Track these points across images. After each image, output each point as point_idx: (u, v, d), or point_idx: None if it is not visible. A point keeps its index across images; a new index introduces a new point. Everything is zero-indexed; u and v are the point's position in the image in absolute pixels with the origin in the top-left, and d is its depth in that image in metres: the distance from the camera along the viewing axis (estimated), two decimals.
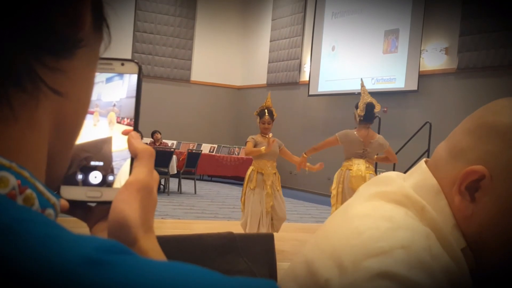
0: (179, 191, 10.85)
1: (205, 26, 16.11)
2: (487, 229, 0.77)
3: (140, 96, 0.56)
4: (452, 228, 0.77)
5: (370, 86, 11.52)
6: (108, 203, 0.50)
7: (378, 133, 10.22)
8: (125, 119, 0.56)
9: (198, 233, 1.32)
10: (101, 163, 0.55)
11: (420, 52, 10.38)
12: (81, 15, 0.38)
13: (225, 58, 16.32)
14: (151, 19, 15.45)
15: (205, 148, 14.09)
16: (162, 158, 10.01)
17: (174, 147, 12.68)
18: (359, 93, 11.66)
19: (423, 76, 10.36)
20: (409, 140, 9.62)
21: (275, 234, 5.39)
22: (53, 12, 0.36)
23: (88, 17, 0.38)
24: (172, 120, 15.40)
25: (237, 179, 13.82)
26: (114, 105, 0.57)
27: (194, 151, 11.77)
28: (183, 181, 11.09)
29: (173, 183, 11.04)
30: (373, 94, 11.42)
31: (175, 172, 10.54)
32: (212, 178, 14.20)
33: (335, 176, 5.55)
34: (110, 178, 0.55)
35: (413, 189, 0.80)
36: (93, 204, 0.56)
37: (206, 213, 8.48)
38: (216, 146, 14.48)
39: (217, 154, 14.05)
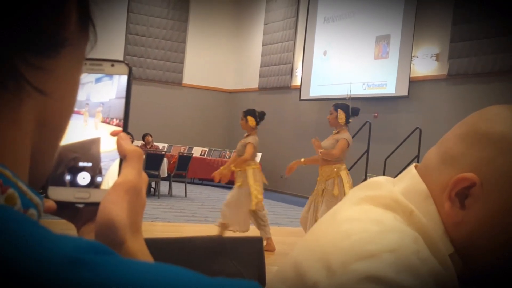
0: (170, 194, 10.83)
1: (197, 29, 16.11)
2: (477, 236, 0.77)
3: (129, 97, 0.56)
4: (441, 234, 0.78)
5: (361, 91, 11.57)
6: (96, 204, 0.50)
7: (369, 138, 10.31)
8: (114, 120, 0.56)
9: (188, 236, 1.32)
10: (89, 164, 0.55)
11: (411, 58, 10.44)
12: (66, 14, 0.37)
13: (217, 62, 16.32)
14: (143, 22, 15.42)
15: (196, 151, 14.07)
16: (153, 161, 10.00)
17: (165, 150, 12.66)
18: (350, 98, 11.75)
19: (413, 82, 10.43)
20: (399, 146, 9.67)
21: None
22: (38, 10, 0.35)
23: (74, 16, 0.38)
24: (164, 123, 15.38)
25: (228, 183, 13.77)
26: (101, 106, 0.56)
27: (185, 154, 11.75)
28: (173, 184, 11.07)
29: (163, 186, 11.01)
30: (364, 99, 11.52)
31: (166, 175, 10.53)
32: (203, 181, 14.17)
33: (345, 178, 5.38)
34: (99, 179, 0.55)
35: (402, 194, 0.81)
36: (81, 205, 0.55)
37: (197, 216, 8.48)
38: (207, 149, 14.47)
39: (208, 158, 14.03)
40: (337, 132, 5.52)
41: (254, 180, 5.78)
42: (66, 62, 0.39)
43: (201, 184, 14.06)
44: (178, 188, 11.44)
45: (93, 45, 0.43)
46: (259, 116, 6.01)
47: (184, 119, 15.92)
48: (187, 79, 16.08)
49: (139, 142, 12.39)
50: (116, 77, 0.57)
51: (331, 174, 5.37)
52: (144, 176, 0.52)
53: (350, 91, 6.16)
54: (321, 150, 5.43)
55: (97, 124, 0.56)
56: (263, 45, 15.17)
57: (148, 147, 11.66)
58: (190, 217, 8.35)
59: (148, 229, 6.57)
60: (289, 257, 0.82)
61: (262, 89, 15.14)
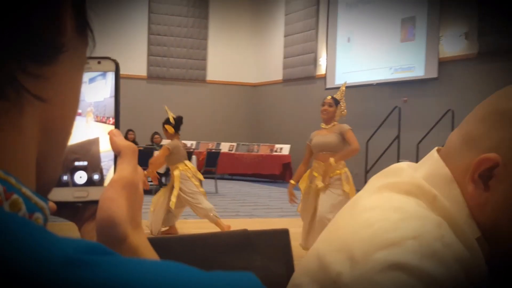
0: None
1: (218, 25, 16.11)
2: (501, 217, 0.76)
3: (119, 93, 0.57)
4: (466, 217, 0.77)
5: (389, 76, 11.37)
6: (95, 202, 0.51)
7: (399, 124, 10.11)
8: (111, 119, 0.56)
9: (213, 232, 1.27)
10: (85, 163, 0.56)
11: (439, 39, 10.19)
12: (61, 20, 0.37)
13: (239, 56, 16.30)
14: (164, 21, 15.51)
15: (224, 147, 14.08)
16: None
17: (193, 147, 12.69)
18: (377, 84, 11.57)
19: (442, 63, 10.18)
20: (431, 130, 9.45)
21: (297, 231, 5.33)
22: (33, 18, 0.36)
23: (70, 22, 0.38)
24: (190, 120, 15.38)
25: (258, 176, 13.78)
26: (91, 105, 0.57)
27: (213, 150, 11.77)
28: (203, 181, 11.10)
29: None
30: (392, 84, 11.31)
31: None
32: (233, 176, 14.18)
33: (351, 180, 5.09)
34: (96, 177, 0.56)
35: (425, 179, 0.79)
36: (80, 204, 0.56)
37: (228, 211, 8.48)
38: (235, 144, 14.46)
39: (237, 153, 14.04)
40: (333, 125, 5.16)
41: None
42: (65, 68, 0.40)
43: (231, 179, 14.07)
44: (208, 184, 11.44)
45: (92, 50, 0.44)
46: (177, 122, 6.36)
47: (210, 116, 15.96)
48: (211, 76, 16.10)
49: (167, 141, 12.44)
50: (109, 75, 0.57)
51: (338, 169, 5.01)
52: (140, 170, 0.52)
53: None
54: (331, 161, 4.97)
55: (89, 124, 0.56)
56: (285, 36, 15.07)
57: None
58: (221, 212, 8.33)
59: (180, 226, 6.58)
60: (312, 248, 0.82)
61: (286, 80, 15.04)
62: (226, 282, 0.32)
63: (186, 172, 6.14)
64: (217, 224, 6.22)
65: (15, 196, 0.35)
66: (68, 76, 0.41)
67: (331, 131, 5.15)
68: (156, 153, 10.15)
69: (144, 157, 10.01)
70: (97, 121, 0.56)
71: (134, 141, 11.82)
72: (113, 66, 0.57)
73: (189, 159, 10.22)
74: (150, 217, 6.17)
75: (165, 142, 12.54)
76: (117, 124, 0.56)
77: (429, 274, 0.67)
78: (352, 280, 0.70)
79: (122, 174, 0.50)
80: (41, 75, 0.37)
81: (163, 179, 10.15)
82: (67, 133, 0.43)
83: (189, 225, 7.00)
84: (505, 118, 0.76)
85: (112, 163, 0.56)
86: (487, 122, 0.77)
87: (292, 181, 5.35)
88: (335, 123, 5.19)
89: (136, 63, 15.27)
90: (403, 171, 0.82)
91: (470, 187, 0.76)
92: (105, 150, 0.56)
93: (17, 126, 0.37)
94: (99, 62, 0.56)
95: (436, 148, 0.85)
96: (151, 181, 6.79)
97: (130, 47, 15.15)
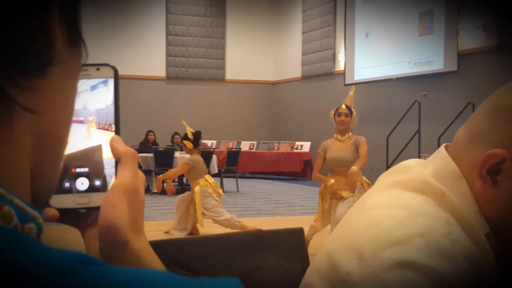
0: (222, 190, 10.90)
1: (235, 24, 16.14)
2: (509, 212, 0.76)
3: (118, 99, 0.57)
4: (475, 213, 0.76)
5: (408, 70, 11.28)
6: (98, 208, 0.51)
7: (419, 118, 10.03)
8: (113, 126, 0.57)
9: (227, 232, 1.30)
10: (86, 169, 0.56)
11: (457, 32, 10.08)
12: (49, 33, 0.37)
13: (258, 54, 16.31)
14: (182, 22, 15.58)
15: (245, 146, 14.11)
16: (202, 158, 10.05)
17: (213, 146, 12.74)
18: (397, 79, 11.49)
19: (462, 56, 10.07)
20: (451, 123, 9.36)
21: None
22: (21, 31, 0.36)
23: (59, 34, 0.38)
24: (210, 120, 15.49)
25: (279, 174, 13.78)
26: (92, 114, 0.57)
27: (233, 149, 11.79)
28: (225, 180, 11.13)
29: None
30: (411, 78, 11.22)
31: (216, 171, 10.59)
32: (254, 175, 14.21)
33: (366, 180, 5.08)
34: (98, 183, 0.56)
35: (433, 175, 0.79)
36: (83, 210, 0.56)
37: (249, 210, 8.50)
38: (255, 142, 14.48)
39: (257, 151, 14.05)
40: (348, 137, 5.08)
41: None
42: (56, 79, 0.39)
43: (252, 177, 14.10)
44: (229, 183, 11.50)
45: (85, 60, 0.44)
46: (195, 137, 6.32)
47: (230, 115, 16.00)
48: (230, 75, 16.14)
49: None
50: (111, 82, 0.57)
51: (359, 180, 4.94)
52: (141, 175, 0.52)
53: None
54: (355, 169, 4.85)
55: (91, 132, 0.57)
56: (303, 33, 15.03)
57: None
58: (243, 211, 8.37)
59: (204, 226, 6.61)
60: (323, 247, 0.83)
61: (305, 77, 15.01)
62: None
63: (207, 188, 6.15)
64: (243, 228, 6.20)
65: (6, 207, 0.35)
66: (60, 87, 0.40)
67: (347, 144, 5.06)
68: (177, 153, 10.25)
69: (165, 158, 10.13)
70: (99, 128, 0.57)
71: (154, 142, 11.92)
72: (112, 73, 0.57)
73: (210, 158, 10.32)
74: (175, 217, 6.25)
75: (206, 141, 12.65)
76: (117, 130, 0.56)
77: (437, 271, 0.68)
78: (361, 278, 0.71)
79: (122, 180, 0.50)
80: (31, 87, 0.37)
81: (184, 179, 10.21)
82: (62, 142, 0.43)
83: (212, 225, 7.05)
84: (510, 113, 0.76)
85: (114, 169, 0.55)
86: (492, 117, 0.77)
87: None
88: (350, 134, 5.12)
89: (154, 64, 15.38)
90: (411, 168, 0.82)
91: (478, 183, 0.76)
92: (108, 157, 0.55)
93: (8, 139, 0.37)
94: (98, 69, 0.57)
95: (444, 144, 0.85)
96: (176, 182, 6.77)
97: (148, 48, 15.27)
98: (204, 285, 0.32)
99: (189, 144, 6.28)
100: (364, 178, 5.07)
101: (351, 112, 5.20)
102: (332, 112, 5.34)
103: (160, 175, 6.37)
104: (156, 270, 0.33)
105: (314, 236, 5.27)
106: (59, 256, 0.30)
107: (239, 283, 0.34)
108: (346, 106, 5.23)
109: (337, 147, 5.09)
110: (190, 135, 6.32)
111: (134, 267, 0.48)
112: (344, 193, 4.95)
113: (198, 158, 6.26)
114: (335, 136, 5.20)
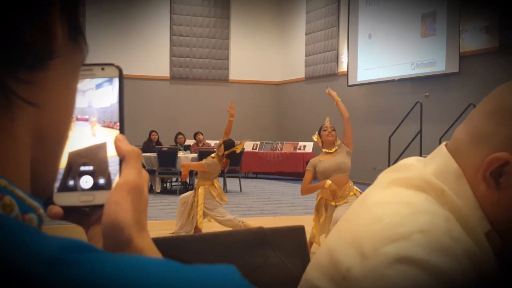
0: (225, 189, 10.92)
1: (240, 24, 16.15)
2: None
3: (122, 99, 0.57)
4: (475, 212, 0.77)
5: (410, 71, 11.31)
6: (102, 206, 0.51)
7: (421, 119, 10.04)
8: (118, 124, 0.57)
9: (228, 230, 1.33)
10: (90, 168, 0.56)
11: (460, 33, 10.11)
12: (50, 27, 0.38)
13: (262, 55, 16.32)
14: (186, 22, 15.59)
15: (248, 146, 14.13)
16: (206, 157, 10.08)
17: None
18: (399, 80, 11.50)
19: (464, 57, 10.09)
20: (453, 124, 9.39)
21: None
22: (22, 26, 0.36)
23: (60, 29, 0.38)
24: (213, 120, 15.51)
25: (282, 175, 13.81)
26: (95, 113, 0.57)
27: None
28: (228, 180, 11.16)
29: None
30: (413, 79, 11.24)
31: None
32: (257, 175, 14.23)
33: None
34: (102, 181, 0.55)
35: (434, 174, 0.80)
36: (87, 209, 0.56)
37: (253, 210, 8.53)
38: (259, 143, 14.51)
39: (261, 151, 14.07)
40: (335, 150, 5.11)
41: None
42: (57, 73, 0.40)
43: (255, 177, 14.12)
44: (232, 183, 11.53)
45: (86, 55, 0.44)
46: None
47: (234, 115, 15.98)
48: (234, 75, 16.15)
49: (191, 141, 12.56)
50: (116, 81, 0.57)
51: (352, 189, 5.03)
52: (145, 174, 0.53)
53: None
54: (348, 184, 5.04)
55: (95, 130, 0.57)
56: (306, 34, 15.05)
57: (200, 145, 11.81)
58: (246, 211, 8.41)
59: (205, 225, 6.65)
60: (323, 244, 0.83)
61: (308, 78, 15.03)
62: (207, 274, 0.33)
63: (211, 189, 6.12)
64: (247, 228, 6.25)
65: (7, 197, 0.35)
66: (61, 81, 0.41)
67: (337, 152, 5.11)
68: (180, 153, 10.27)
69: (168, 158, 10.16)
70: (104, 126, 0.57)
71: (157, 142, 11.96)
72: (116, 72, 0.57)
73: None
74: (178, 216, 6.30)
75: (189, 142, 12.67)
76: (121, 129, 0.56)
77: (437, 267, 0.68)
78: (362, 274, 0.71)
79: (127, 178, 0.50)
80: (32, 81, 0.37)
81: (188, 180, 10.24)
82: (62, 137, 0.43)
83: (215, 224, 7.09)
84: None
85: (119, 168, 0.55)
86: (495, 118, 0.77)
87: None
88: (336, 147, 5.15)
89: (159, 64, 15.41)
90: (412, 166, 0.82)
91: (482, 186, 0.76)
92: (113, 155, 0.55)
93: (9, 131, 0.37)
94: (102, 69, 0.57)
95: (444, 143, 0.85)
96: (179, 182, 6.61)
97: (152, 48, 15.30)
98: (202, 271, 0.33)
99: (221, 151, 6.20)
100: (356, 187, 5.09)
101: (334, 129, 5.23)
102: (315, 135, 5.33)
103: (184, 162, 6.33)
104: (159, 259, 0.33)
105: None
106: (56, 244, 0.30)
107: (236, 270, 0.34)
108: (330, 125, 5.26)
109: (328, 158, 5.12)
110: (233, 150, 6.27)
111: (132, 254, 0.48)
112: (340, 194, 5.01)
113: (218, 166, 6.20)
114: (323, 151, 5.20)
